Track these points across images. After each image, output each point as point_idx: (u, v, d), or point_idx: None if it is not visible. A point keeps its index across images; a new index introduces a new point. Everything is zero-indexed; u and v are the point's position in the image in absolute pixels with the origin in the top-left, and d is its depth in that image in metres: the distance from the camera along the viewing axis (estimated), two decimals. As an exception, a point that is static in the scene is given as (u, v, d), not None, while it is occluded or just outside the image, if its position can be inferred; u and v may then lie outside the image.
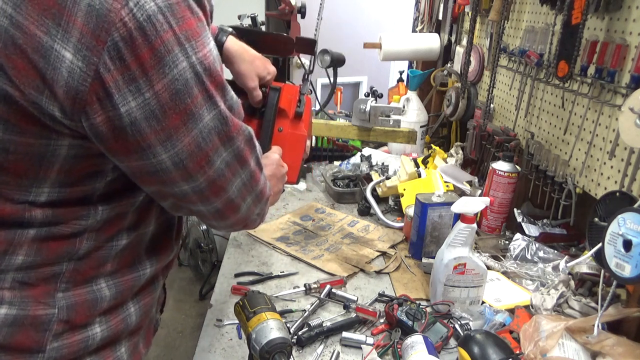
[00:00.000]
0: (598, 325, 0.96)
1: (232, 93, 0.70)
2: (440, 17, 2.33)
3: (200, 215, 0.77)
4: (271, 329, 0.78)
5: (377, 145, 2.21)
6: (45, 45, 0.54)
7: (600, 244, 0.96)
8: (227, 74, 1.03)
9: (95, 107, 0.57)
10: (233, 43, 1.00)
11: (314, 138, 2.10)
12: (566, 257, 1.27)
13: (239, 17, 1.79)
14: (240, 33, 1.05)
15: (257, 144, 0.78)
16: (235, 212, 0.78)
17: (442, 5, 2.30)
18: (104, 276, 0.72)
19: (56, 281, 0.67)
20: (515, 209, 1.44)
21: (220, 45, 0.99)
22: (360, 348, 1.02)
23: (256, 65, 1.02)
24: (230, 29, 1.02)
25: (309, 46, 1.16)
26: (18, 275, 0.65)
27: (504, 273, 1.28)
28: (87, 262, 0.70)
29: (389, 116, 1.70)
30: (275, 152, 1.01)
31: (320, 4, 1.27)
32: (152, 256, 0.80)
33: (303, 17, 1.79)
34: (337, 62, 1.91)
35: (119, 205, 0.71)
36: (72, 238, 0.67)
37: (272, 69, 1.04)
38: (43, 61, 0.54)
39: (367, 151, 2.05)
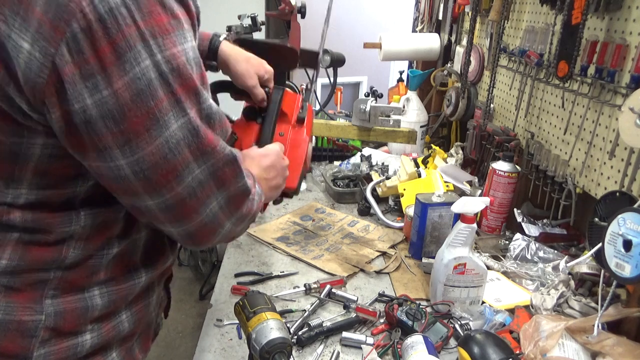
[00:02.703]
0: (598, 325, 0.96)
1: (211, 102, 0.65)
2: (440, 17, 2.33)
3: (173, 237, 0.72)
4: (271, 329, 0.78)
5: (377, 145, 2.21)
6: (3, 34, 0.52)
7: (600, 244, 0.95)
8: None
9: (52, 100, 0.54)
10: (227, 46, 0.99)
11: (314, 138, 2.10)
12: (566, 257, 1.27)
13: (239, 17, 1.79)
14: (246, 44, 1.04)
15: (243, 169, 0.72)
16: (211, 235, 0.72)
17: (442, 5, 2.30)
18: (97, 285, 0.70)
19: (43, 287, 0.65)
20: (515, 209, 1.44)
21: (215, 50, 0.99)
22: (360, 348, 1.02)
23: (253, 64, 1.00)
24: (223, 34, 1.01)
25: (312, 59, 1.17)
26: (3, 279, 0.64)
27: (504, 273, 1.28)
28: (77, 270, 0.68)
29: (389, 116, 1.70)
30: (276, 145, 0.97)
31: (328, 10, 1.27)
32: (147, 264, 0.77)
33: (303, 17, 1.78)
34: (337, 62, 1.91)
35: (103, 212, 0.68)
36: (57, 245, 0.66)
37: (269, 69, 1.03)
38: (3, 51, 0.52)
39: (367, 151, 2.05)
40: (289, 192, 1.00)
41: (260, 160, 0.89)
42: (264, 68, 1.02)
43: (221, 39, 1.00)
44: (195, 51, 0.62)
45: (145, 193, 0.62)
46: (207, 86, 0.65)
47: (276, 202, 1.01)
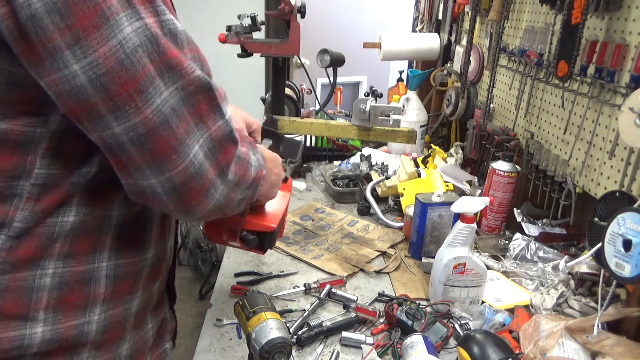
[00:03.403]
0: (598, 325, 0.96)
1: (177, 22, 0.61)
2: (440, 17, 2.34)
3: (157, 200, 0.63)
4: (271, 329, 0.78)
5: (377, 145, 2.21)
6: None
7: (600, 244, 0.95)
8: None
9: None
10: None
11: (314, 138, 2.10)
12: (566, 257, 1.27)
13: (239, 17, 1.78)
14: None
15: (224, 107, 0.65)
16: (203, 195, 0.64)
17: (442, 5, 2.30)
18: (50, 260, 0.63)
19: None
20: (515, 209, 1.44)
21: None
22: (360, 348, 1.02)
23: (241, 112, 1.01)
24: None
25: (295, 147, 1.19)
26: None
27: (504, 273, 1.28)
28: (27, 240, 0.61)
29: (389, 116, 1.70)
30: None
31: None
32: (115, 249, 0.69)
33: (303, 17, 1.79)
34: (337, 62, 1.91)
35: (62, 169, 0.62)
36: (5, 202, 0.60)
37: (257, 121, 1.04)
38: None
39: (367, 151, 2.05)
40: (266, 238, 0.95)
41: (265, 151, 0.87)
42: (253, 119, 1.02)
43: None
44: None
45: (109, 112, 0.56)
46: (169, 6, 0.62)
47: (249, 245, 0.94)
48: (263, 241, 0.95)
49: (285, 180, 1.03)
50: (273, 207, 0.96)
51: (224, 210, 0.71)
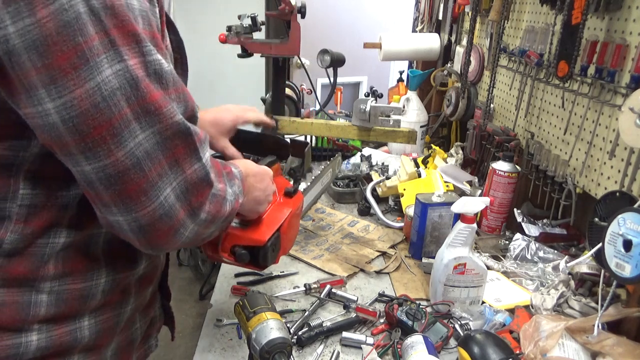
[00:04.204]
0: (598, 325, 0.96)
1: (163, 61, 0.59)
2: (440, 17, 2.34)
3: (123, 235, 0.62)
4: (271, 329, 0.78)
5: (377, 145, 2.21)
6: None
7: (600, 244, 0.95)
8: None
9: None
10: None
11: (314, 138, 2.10)
12: (566, 257, 1.27)
13: (239, 17, 1.78)
14: (242, 135, 1.05)
15: (202, 151, 0.64)
16: (170, 235, 0.63)
17: (442, 5, 2.30)
18: (45, 280, 0.64)
19: None
20: (515, 209, 1.44)
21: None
22: (360, 348, 1.02)
23: (235, 107, 1.03)
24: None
25: (301, 148, 1.18)
26: None
27: (504, 273, 1.28)
28: (18, 260, 0.62)
29: (389, 116, 1.70)
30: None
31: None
32: (110, 265, 0.70)
33: (303, 17, 1.79)
34: (337, 62, 1.91)
35: (47, 191, 0.62)
36: None
37: (252, 109, 1.05)
38: None
39: (367, 151, 2.05)
40: (258, 253, 0.92)
41: (250, 166, 0.86)
42: (247, 110, 1.03)
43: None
44: (143, 4, 0.57)
45: (79, 152, 0.55)
46: (157, 43, 0.60)
47: (240, 260, 0.91)
48: (256, 256, 0.92)
49: (290, 195, 1.01)
50: (268, 221, 0.94)
51: (195, 244, 0.71)
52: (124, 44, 0.55)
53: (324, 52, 1.90)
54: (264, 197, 0.89)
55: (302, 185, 1.16)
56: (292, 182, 1.06)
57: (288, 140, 1.13)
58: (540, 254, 1.30)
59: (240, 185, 0.77)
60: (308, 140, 1.23)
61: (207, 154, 0.66)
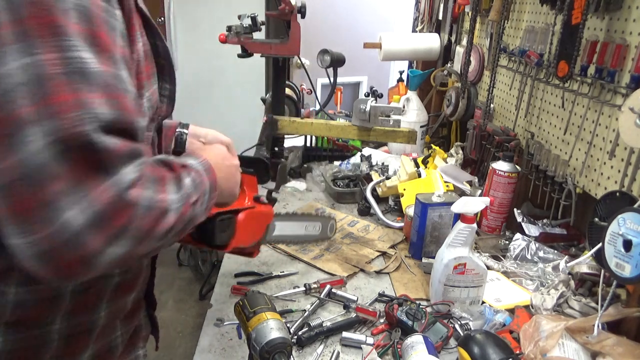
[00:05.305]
0: (598, 325, 0.96)
1: (87, 55, 0.52)
2: (440, 17, 2.34)
3: (26, 264, 0.52)
4: (271, 329, 0.78)
5: (377, 145, 2.21)
6: None
7: (600, 244, 0.95)
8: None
9: None
10: (192, 133, 0.97)
11: (314, 138, 2.10)
12: (566, 257, 1.27)
13: (239, 17, 1.78)
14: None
15: (122, 167, 0.54)
16: (82, 266, 0.53)
17: (442, 5, 2.30)
18: (10, 284, 0.62)
19: None
20: (515, 209, 1.44)
21: (182, 143, 0.95)
22: (360, 348, 1.02)
23: (210, 134, 0.99)
24: (185, 128, 0.96)
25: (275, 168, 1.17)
26: None
27: (504, 273, 1.28)
28: None
29: (389, 116, 1.70)
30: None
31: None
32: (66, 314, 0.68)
33: (303, 17, 1.79)
34: (337, 62, 1.91)
35: None
36: None
37: (227, 140, 1.01)
38: None
39: (367, 151, 2.05)
40: (206, 227, 0.90)
41: (215, 150, 0.85)
42: (223, 140, 0.99)
43: (185, 131, 0.96)
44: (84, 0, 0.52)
45: None
46: (101, 43, 0.54)
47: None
48: (204, 230, 0.88)
49: (258, 200, 1.01)
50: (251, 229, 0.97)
51: (132, 263, 0.68)
52: (39, 35, 0.49)
53: (324, 52, 1.90)
54: (229, 172, 0.85)
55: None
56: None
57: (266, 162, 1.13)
58: (540, 254, 1.30)
59: (201, 177, 0.70)
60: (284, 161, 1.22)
61: (127, 170, 0.54)
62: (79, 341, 0.71)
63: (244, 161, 1.04)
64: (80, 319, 0.70)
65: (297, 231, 1.24)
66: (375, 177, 1.77)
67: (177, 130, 0.95)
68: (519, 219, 1.41)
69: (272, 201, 1.09)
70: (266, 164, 1.10)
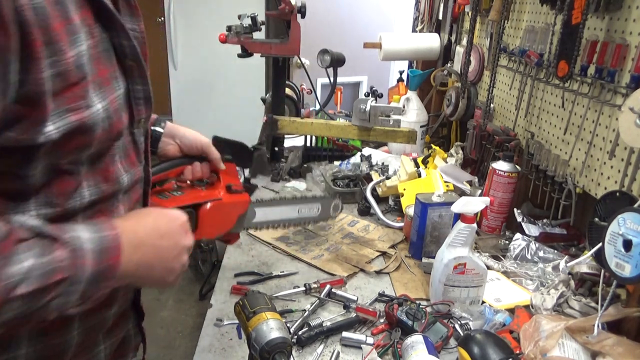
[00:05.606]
0: (598, 325, 0.96)
1: None
2: (440, 17, 2.34)
3: None
4: (271, 329, 0.78)
5: (377, 145, 2.21)
6: None
7: (600, 244, 0.95)
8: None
9: None
10: (168, 130, 0.93)
11: (314, 138, 2.10)
12: (566, 257, 1.27)
13: (239, 17, 1.79)
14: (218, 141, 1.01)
15: None
16: None
17: (442, 5, 2.30)
18: None
19: None
20: (515, 209, 1.44)
21: (156, 138, 0.92)
22: (360, 348, 1.02)
23: (189, 133, 0.95)
24: (160, 125, 0.92)
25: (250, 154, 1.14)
26: None
27: (504, 273, 1.28)
28: None
29: (389, 116, 1.70)
30: (180, 214, 0.73)
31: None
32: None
33: (303, 17, 1.79)
34: (337, 62, 1.91)
35: None
36: None
37: (205, 141, 0.98)
38: None
39: (367, 151, 2.05)
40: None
41: (150, 218, 0.69)
42: (201, 141, 0.97)
43: (160, 129, 0.92)
44: None
45: None
46: None
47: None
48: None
49: (230, 190, 0.98)
50: (184, 197, 0.93)
51: None
52: None
53: (324, 52, 1.91)
54: (173, 256, 0.70)
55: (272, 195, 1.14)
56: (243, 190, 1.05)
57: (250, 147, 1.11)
58: (540, 254, 1.30)
59: (75, 260, 0.55)
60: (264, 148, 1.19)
61: None
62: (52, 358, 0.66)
63: (225, 145, 1.03)
64: (50, 341, 0.65)
65: (288, 215, 1.20)
66: (375, 177, 1.77)
67: (151, 127, 0.87)
68: (519, 219, 1.41)
69: (250, 189, 1.06)
70: (248, 147, 1.09)
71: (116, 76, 0.63)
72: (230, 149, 1.04)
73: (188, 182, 0.96)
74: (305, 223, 1.30)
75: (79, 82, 0.56)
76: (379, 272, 1.31)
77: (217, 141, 1.02)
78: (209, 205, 0.95)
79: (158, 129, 0.91)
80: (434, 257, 1.18)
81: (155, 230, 0.67)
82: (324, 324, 1.07)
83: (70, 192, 0.61)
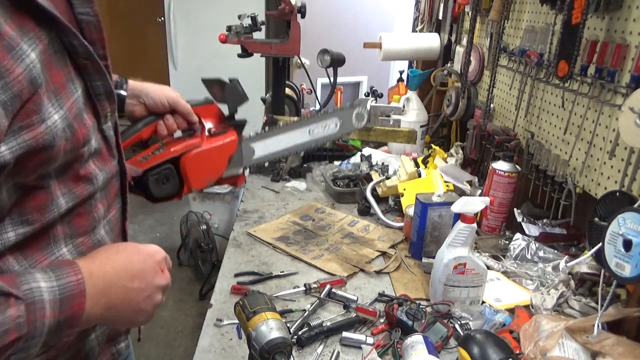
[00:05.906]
0: (598, 325, 0.96)
1: None
2: (440, 17, 2.34)
3: None
4: (271, 328, 0.78)
5: (377, 145, 2.21)
6: None
7: (600, 244, 0.95)
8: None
9: None
10: (132, 89, 0.91)
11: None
12: (566, 257, 1.27)
13: (239, 17, 1.79)
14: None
15: None
16: None
17: (442, 5, 2.30)
18: None
19: None
20: (515, 209, 1.44)
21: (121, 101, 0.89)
22: (360, 348, 1.02)
23: (159, 90, 0.93)
24: (123, 88, 0.89)
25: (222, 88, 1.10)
26: None
27: (504, 273, 1.28)
28: None
29: (389, 116, 1.70)
30: (158, 252, 0.70)
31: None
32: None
33: (303, 17, 1.79)
34: (337, 62, 1.91)
35: None
36: None
37: (175, 95, 0.97)
38: None
39: (367, 151, 2.05)
40: (142, 182, 0.89)
41: (121, 258, 0.64)
42: (171, 96, 0.96)
43: (123, 92, 0.89)
44: None
45: None
46: None
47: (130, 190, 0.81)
48: (143, 184, 0.90)
49: (211, 134, 0.96)
50: (160, 155, 0.92)
51: None
52: None
53: (324, 52, 1.91)
54: (140, 298, 0.65)
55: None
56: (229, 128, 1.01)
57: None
58: (540, 253, 1.30)
59: (30, 316, 0.52)
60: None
61: None
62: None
63: (207, 86, 1.01)
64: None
65: (297, 140, 1.11)
66: (375, 177, 1.77)
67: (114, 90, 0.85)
68: (519, 219, 1.41)
69: (238, 125, 1.02)
70: (224, 82, 1.07)
71: (72, 78, 0.60)
72: (211, 89, 1.02)
73: (174, 136, 0.93)
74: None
75: (31, 97, 0.53)
76: (379, 272, 1.31)
77: (205, 83, 1.01)
78: (187, 155, 0.91)
79: (121, 92, 0.88)
80: (434, 257, 1.18)
81: (126, 270, 0.63)
82: (324, 324, 1.07)
83: (45, 205, 0.59)
